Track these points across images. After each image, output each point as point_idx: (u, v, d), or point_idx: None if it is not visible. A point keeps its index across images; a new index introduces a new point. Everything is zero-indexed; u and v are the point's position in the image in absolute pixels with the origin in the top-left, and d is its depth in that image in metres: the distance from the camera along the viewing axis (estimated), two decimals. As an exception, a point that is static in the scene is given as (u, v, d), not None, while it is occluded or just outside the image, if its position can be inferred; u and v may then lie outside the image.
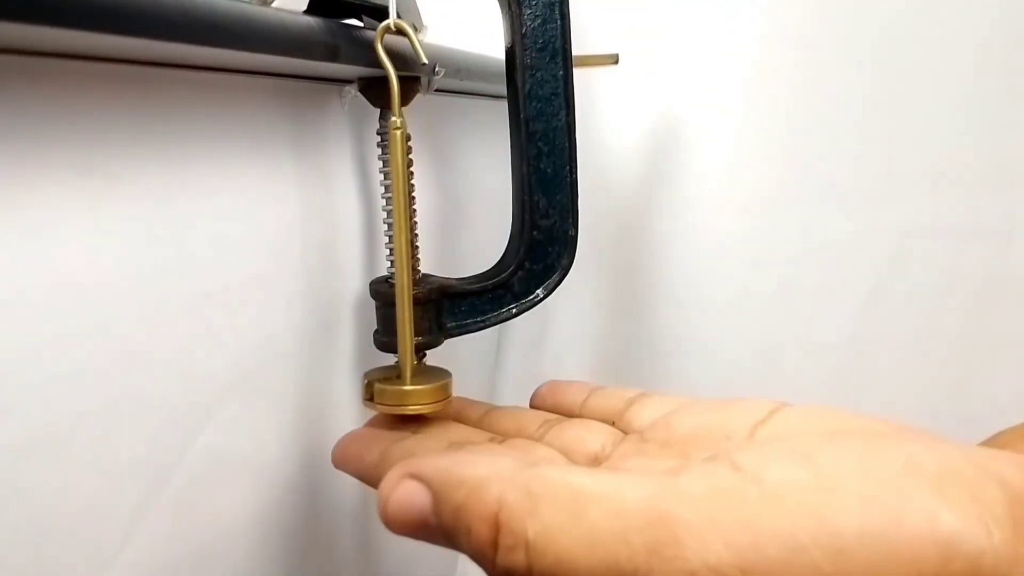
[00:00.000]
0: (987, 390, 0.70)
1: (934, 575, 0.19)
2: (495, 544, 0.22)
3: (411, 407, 0.38)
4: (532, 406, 0.37)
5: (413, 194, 0.40)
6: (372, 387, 0.38)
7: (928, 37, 0.68)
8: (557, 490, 0.22)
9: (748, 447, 0.24)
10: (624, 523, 0.21)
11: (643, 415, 0.32)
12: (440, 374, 0.39)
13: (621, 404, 0.33)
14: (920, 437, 0.24)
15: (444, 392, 0.38)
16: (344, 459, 0.32)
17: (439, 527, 0.23)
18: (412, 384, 0.38)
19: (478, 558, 0.22)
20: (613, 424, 0.32)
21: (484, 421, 0.36)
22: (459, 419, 0.37)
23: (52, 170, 0.25)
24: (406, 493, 0.24)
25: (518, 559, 0.21)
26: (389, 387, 0.38)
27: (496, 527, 0.22)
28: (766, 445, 0.24)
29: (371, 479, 0.29)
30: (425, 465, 0.24)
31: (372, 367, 0.41)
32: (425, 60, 0.35)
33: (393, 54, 0.35)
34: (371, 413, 0.39)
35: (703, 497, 0.21)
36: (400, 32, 0.35)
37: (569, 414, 0.34)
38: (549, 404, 0.35)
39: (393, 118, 0.36)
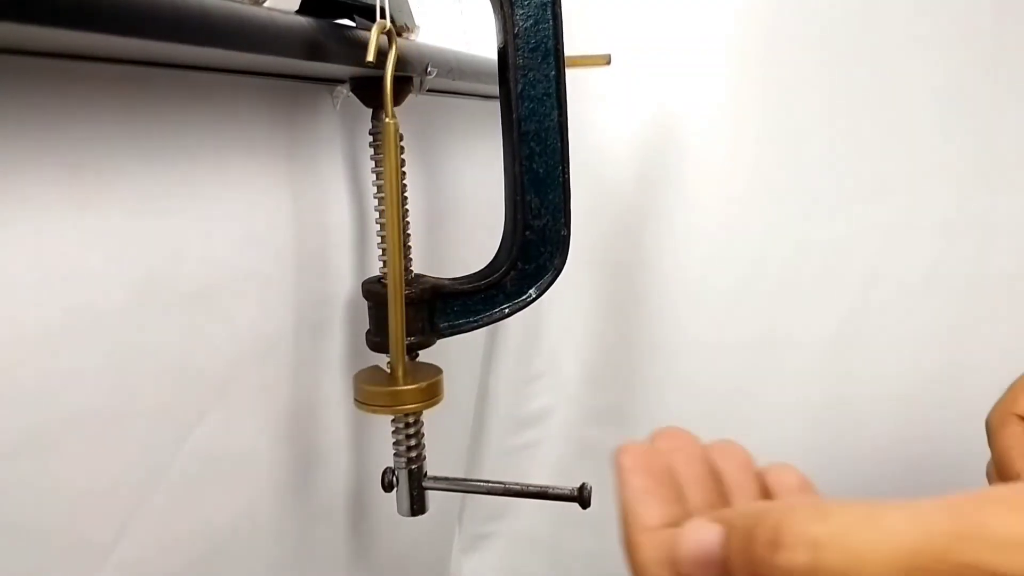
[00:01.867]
0: (972, 376, 0.70)
1: None
2: (775, 544, 0.22)
3: (404, 407, 0.38)
4: None
5: (406, 194, 0.40)
6: (363, 389, 0.38)
7: (915, 40, 0.69)
8: (850, 505, 0.22)
9: None
10: (922, 518, 0.21)
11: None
12: (431, 371, 0.39)
13: None
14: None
15: (435, 391, 0.38)
16: (631, 471, 0.31)
17: (723, 555, 0.24)
18: (404, 384, 0.38)
19: (751, 566, 0.22)
20: None
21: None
22: None
23: (44, 168, 0.25)
24: (705, 531, 0.25)
25: (798, 558, 0.21)
26: (380, 389, 0.38)
27: (778, 530, 0.22)
28: None
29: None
30: (727, 512, 0.26)
31: (364, 367, 0.41)
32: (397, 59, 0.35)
33: (386, 54, 0.35)
34: (371, 416, 0.39)
35: (998, 495, 0.22)
36: (391, 32, 0.35)
37: None
38: None
39: (385, 118, 0.36)
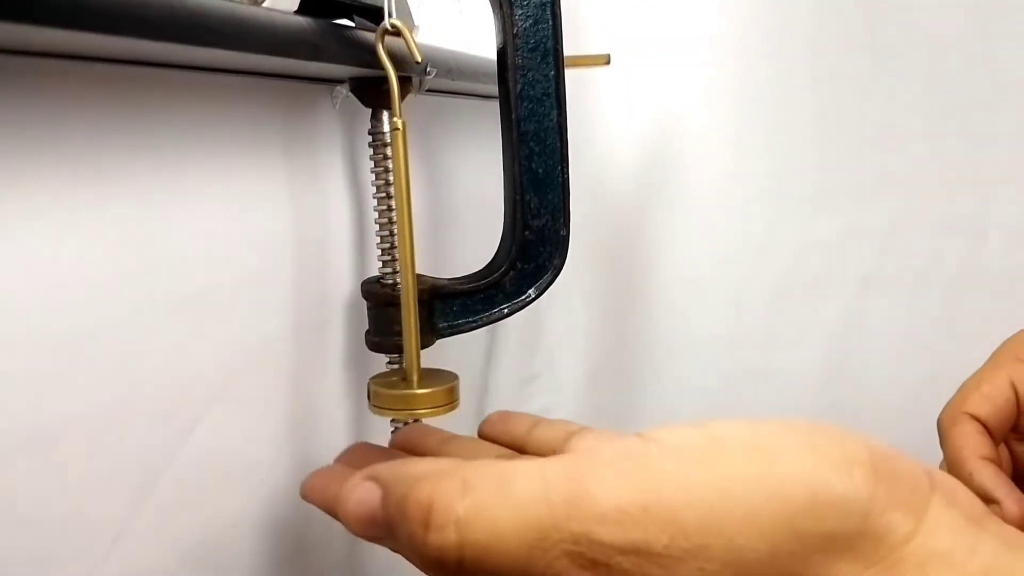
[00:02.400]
0: (965, 373, 0.71)
1: (805, 509, 0.22)
2: (426, 524, 0.23)
3: (421, 411, 0.37)
4: (480, 434, 0.37)
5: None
6: (379, 394, 0.37)
7: (909, 40, 0.69)
8: (487, 473, 0.23)
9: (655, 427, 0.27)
10: (545, 486, 0.23)
11: (581, 446, 0.33)
12: (446, 377, 0.39)
13: (562, 436, 0.34)
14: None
15: (452, 395, 0.38)
16: (311, 491, 0.33)
17: (384, 520, 0.25)
18: (420, 388, 0.37)
19: (410, 544, 0.23)
20: (553, 452, 0.34)
21: (442, 450, 0.36)
22: (418, 448, 0.37)
23: (42, 169, 0.25)
24: (362, 491, 0.26)
25: (448, 537, 0.22)
26: (396, 392, 0.37)
27: (429, 508, 0.23)
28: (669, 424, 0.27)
29: (335, 511, 0.30)
30: (381, 468, 0.26)
31: (363, 368, 0.41)
32: (420, 58, 0.35)
33: (391, 55, 0.35)
34: (369, 417, 0.39)
35: (612, 457, 0.24)
36: (396, 32, 0.35)
37: (514, 443, 0.36)
38: (498, 431, 0.37)
39: (394, 119, 0.35)
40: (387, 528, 0.25)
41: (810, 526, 0.22)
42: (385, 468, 0.26)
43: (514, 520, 0.22)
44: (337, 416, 0.43)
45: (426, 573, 0.24)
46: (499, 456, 0.35)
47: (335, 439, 0.43)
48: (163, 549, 0.32)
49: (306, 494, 0.33)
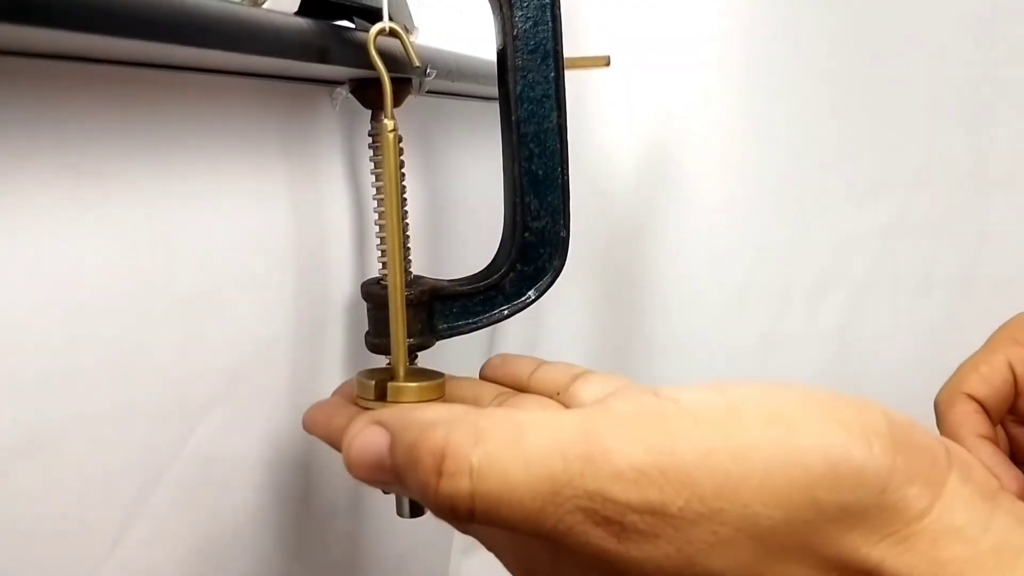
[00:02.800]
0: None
1: (822, 478, 0.22)
2: (439, 472, 0.23)
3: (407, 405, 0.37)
4: (482, 376, 0.37)
5: (405, 195, 0.40)
6: (368, 386, 0.37)
7: (908, 46, 0.70)
8: (501, 423, 0.23)
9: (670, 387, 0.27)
10: (560, 441, 0.23)
11: (586, 391, 0.33)
12: (433, 375, 0.39)
13: (567, 379, 0.34)
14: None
15: (439, 391, 0.38)
16: (314, 423, 0.33)
17: (393, 467, 0.25)
18: (405, 382, 0.37)
19: (422, 490, 0.23)
20: (557, 395, 0.34)
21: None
22: None
23: (42, 171, 0.25)
24: (368, 435, 0.25)
25: (461, 485, 0.22)
26: (392, 384, 0.36)
27: (442, 456, 0.23)
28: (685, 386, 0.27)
29: (338, 442, 0.30)
30: (387, 412, 0.26)
31: (361, 369, 0.41)
32: (417, 63, 0.35)
33: (385, 56, 0.35)
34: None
35: (628, 414, 0.24)
36: (393, 35, 0.35)
37: (516, 385, 0.36)
38: (499, 375, 0.37)
39: (385, 120, 0.36)
40: (394, 474, 0.25)
41: (827, 496, 0.22)
42: (393, 413, 0.26)
43: (528, 472, 0.22)
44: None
45: (438, 518, 0.24)
46: (500, 395, 0.35)
47: (335, 440, 0.43)
48: (164, 550, 0.32)
49: (309, 427, 0.34)
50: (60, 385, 0.26)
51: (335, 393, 0.37)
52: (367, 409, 0.37)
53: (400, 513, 0.42)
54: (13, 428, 0.25)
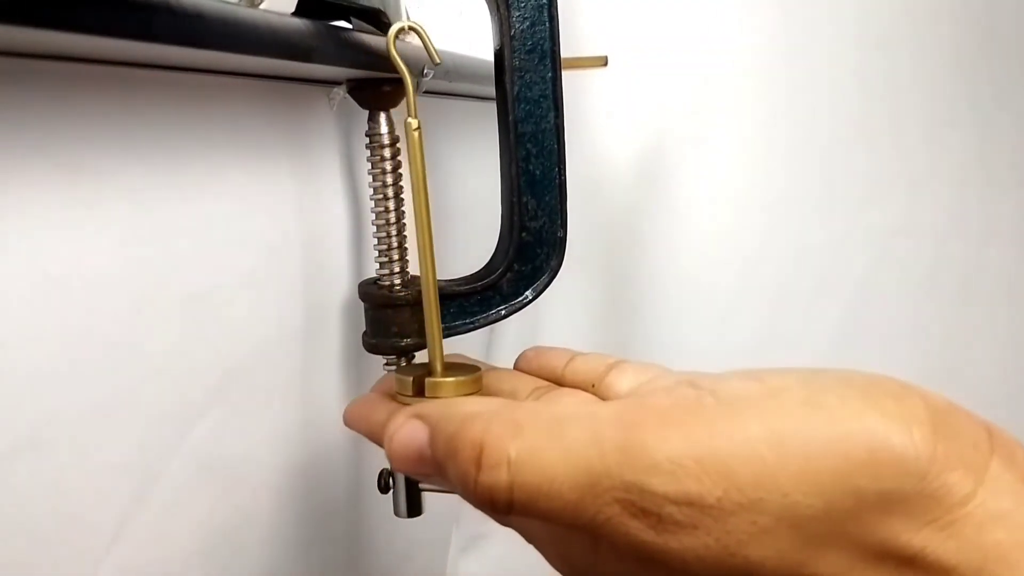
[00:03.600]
0: (966, 379, 0.71)
1: (863, 466, 0.22)
2: (479, 464, 0.23)
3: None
4: (516, 367, 0.37)
5: (402, 195, 0.40)
6: (407, 382, 0.35)
7: (910, 46, 0.69)
8: (540, 417, 0.24)
9: (706, 375, 0.27)
10: (597, 433, 0.23)
11: (621, 382, 0.33)
12: (470, 369, 0.38)
13: (601, 369, 0.34)
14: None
15: (476, 385, 0.37)
16: (355, 419, 0.34)
17: (433, 459, 0.25)
18: (442, 377, 0.35)
19: (463, 482, 0.24)
20: (592, 387, 0.34)
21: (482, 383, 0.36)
22: None
23: (41, 170, 0.25)
24: (409, 429, 0.26)
25: (500, 476, 0.23)
26: (430, 380, 0.35)
27: (480, 448, 0.23)
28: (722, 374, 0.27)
29: (379, 437, 0.30)
30: (427, 407, 0.27)
31: (360, 370, 0.41)
32: (439, 59, 0.35)
33: (383, 55, 0.35)
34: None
35: (666, 406, 0.24)
36: (414, 31, 0.34)
37: (551, 376, 0.36)
38: (534, 367, 0.37)
39: (409, 119, 0.35)
40: (435, 466, 0.25)
41: (867, 484, 0.22)
42: (432, 407, 0.26)
43: (566, 465, 0.22)
44: (334, 417, 0.43)
45: (478, 509, 0.24)
46: (536, 388, 0.35)
47: (332, 440, 0.43)
48: (161, 549, 0.32)
49: (349, 422, 0.35)
50: (57, 383, 0.26)
51: (373, 389, 0.37)
52: (406, 405, 0.37)
53: (397, 513, 0.42)
54: (10, 426, 0.25)
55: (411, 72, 0.36)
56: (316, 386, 0.41)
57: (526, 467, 0.22)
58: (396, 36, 0.34)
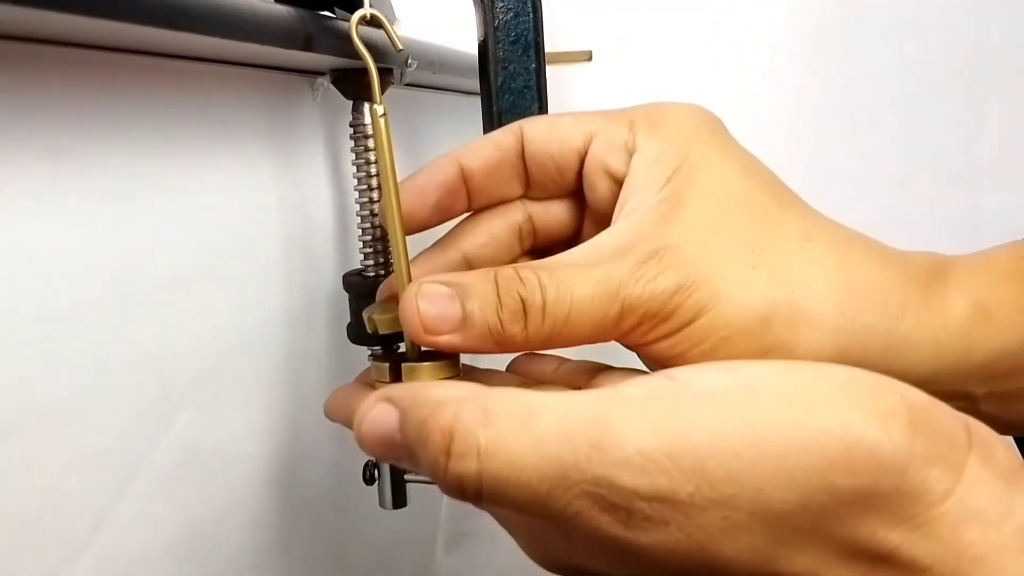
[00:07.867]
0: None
1: (838, 462, 0.21)
2: (448, 452, 0.22)
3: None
4: (508, 372, 0.37)
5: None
6: (383, 368, 0.34)
7: (895, 41, 0.70)
8: (510, 404, 0.23)
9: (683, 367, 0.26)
10: (569, 423, 0.22)
11: (607, 385, 0.33)
12: (448, 353, 0.37)
13: (589, 373, 0.34)
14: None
15: (453, 369, 0.35)
16: (334, 409, 0.34)
17: (403, 444, 0.24)
18: (418, 361, 0.35)
19: (432, 469, 0.23)
20: (578, 389, 0.34)
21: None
22: None
23: (21, 156, 0.25)
24: (377, 412, 0.25)
25: (469, 465, 0.22)
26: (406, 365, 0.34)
27: (451, 436, 0.22)
28: (699, 365, 0.26)
29: None
30: (398, 389, 0.26)
31: (345, 360, 0.41)
32: (401, 47, 0.35)
33: (368, 45, 0.35)
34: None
35: (639, 398, 0.23)
36: (374, 22, 0.35)
37: (540, 380, 0.35)
38: (522, 371, 0.36)
39: (375, 106, 0.35)
40: (405, 451, 0.24)
41: (843, 481, 0.21)
42: (403, 389, 0.26)
43: (535, 456, 0.22)
44: (319, 409, 0.43)
45: (450, 496, 0.24)
46: (522, 384, 0.35)
47: (317, 431, 0.43)
48: (145, 538, 0.31)
49: (329, 413, 0.34)
50: (38, 371, 0.26)
51: (356, 379, 0.37)
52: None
53: (383, 504, 0.42)
54: (-10, 413, 0.24)
55: (381, 61, 0.36)
56: (301, 377, 0.41)
57: (495, 457, 0.22)
58: (358, 23, 0.34)
